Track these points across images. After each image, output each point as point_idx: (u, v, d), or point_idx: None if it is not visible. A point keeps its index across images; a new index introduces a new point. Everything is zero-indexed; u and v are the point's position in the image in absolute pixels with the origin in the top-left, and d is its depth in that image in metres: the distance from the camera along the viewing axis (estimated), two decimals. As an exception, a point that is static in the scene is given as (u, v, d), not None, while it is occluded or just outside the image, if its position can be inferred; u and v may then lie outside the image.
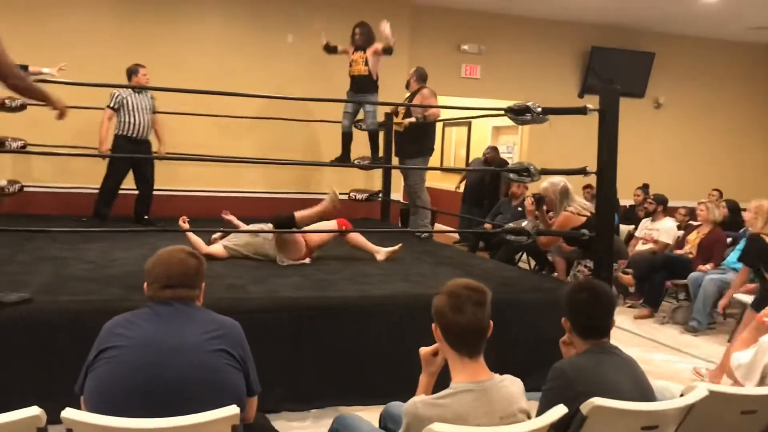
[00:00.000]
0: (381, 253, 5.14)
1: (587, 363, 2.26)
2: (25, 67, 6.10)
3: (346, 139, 7.24)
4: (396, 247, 5.19)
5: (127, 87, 6.49)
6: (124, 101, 6.49)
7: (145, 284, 2.19)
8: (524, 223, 4.61)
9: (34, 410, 1.70)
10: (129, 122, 6.51)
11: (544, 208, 5.61)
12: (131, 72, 6.55)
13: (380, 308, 3.89)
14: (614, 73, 9.79)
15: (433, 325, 2.11)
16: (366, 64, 6.81)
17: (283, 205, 7.63)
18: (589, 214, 5.05)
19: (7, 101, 6.02)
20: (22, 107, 6.17)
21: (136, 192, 6.77)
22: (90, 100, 6.34)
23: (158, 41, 7.74)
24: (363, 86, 6.86)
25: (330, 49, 7.14)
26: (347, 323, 3.79)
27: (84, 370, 2.06)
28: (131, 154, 6.49)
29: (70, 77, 6.17)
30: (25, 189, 6.81)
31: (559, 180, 5.21)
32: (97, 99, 6.33)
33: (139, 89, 6.50)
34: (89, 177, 7.41)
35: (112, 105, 6.50)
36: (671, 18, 9.28)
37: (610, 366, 2.25)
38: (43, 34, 7.38)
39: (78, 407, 1.86)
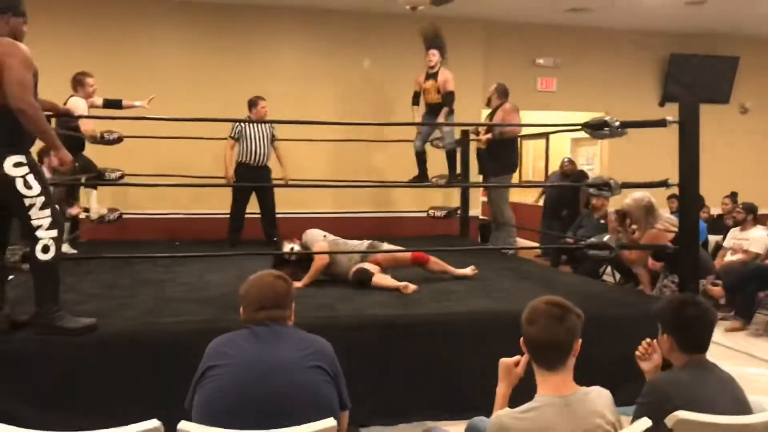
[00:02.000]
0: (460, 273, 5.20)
1: (686, 378, 2.26)
2: (119, 102, 6.54)
3: (420, 158, 7.37)
4: (471, 271, 5.21)
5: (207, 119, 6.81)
6: (244, 131, 6.87)
7: (241, 309, 2.36)
8: (606, 237, 4.58)
9: (154, 422, 1.86)
10: (248, 150, 6.89)
11: (628, 222, 5.54)
12: (251, 104, 6.96)
13: (464, 324, 3.96)
14: (696, 80, 9.58)
15: (522, 337, 2.20)
16: (438, 92, 6.92)
17: (362, 224, 7.83)
18: (676, 230, 4.96)
19: (105, 134, 6.44)
20: (119, 140, 6.58)
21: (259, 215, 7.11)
22: (177, 132, 6.71)
23: (240, 74, 8.14)
24: (438, 109, 6.97)
25: (416, 100, 7.24)
26: (433, 339, 3.88)
27: (192, 387, 2.23)
28: (252, 180, 6.87)
29: (162, 109, 6.60)
30: (123, 216, 7.23)
31: (643, 196, 5.14)
32: (185, 131, 6.68)
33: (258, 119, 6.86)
34: (181, 203, 7.84)
35: (233, 135, 6.92)
36: (755, 21, 9.00)
37: (710, 383, 2.25)
38: (139, 69, 7.90)
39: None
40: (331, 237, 5.05)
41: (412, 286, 4.61)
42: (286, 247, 4.91)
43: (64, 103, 5.71)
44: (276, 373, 2.15)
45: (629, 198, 5.25)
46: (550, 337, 2.08)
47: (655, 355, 2.53)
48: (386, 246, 5.05)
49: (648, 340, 2.56)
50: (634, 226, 5.45)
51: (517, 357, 2.30)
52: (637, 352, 2.54)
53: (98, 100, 6.41)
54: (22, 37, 3.41)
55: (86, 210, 6.73)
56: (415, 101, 7.24)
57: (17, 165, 3.25)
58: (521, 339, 2.17)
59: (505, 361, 2.35)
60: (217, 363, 2.19)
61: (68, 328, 3.41)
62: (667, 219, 5.26)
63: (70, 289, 4.46)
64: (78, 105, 5.87)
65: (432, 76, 6.99)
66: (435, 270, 5.15)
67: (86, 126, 6.06)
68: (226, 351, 2.22)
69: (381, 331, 3.83)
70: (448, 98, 6.83)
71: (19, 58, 3.23)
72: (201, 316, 3.87)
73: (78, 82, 6.14)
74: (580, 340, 2.12)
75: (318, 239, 4.98)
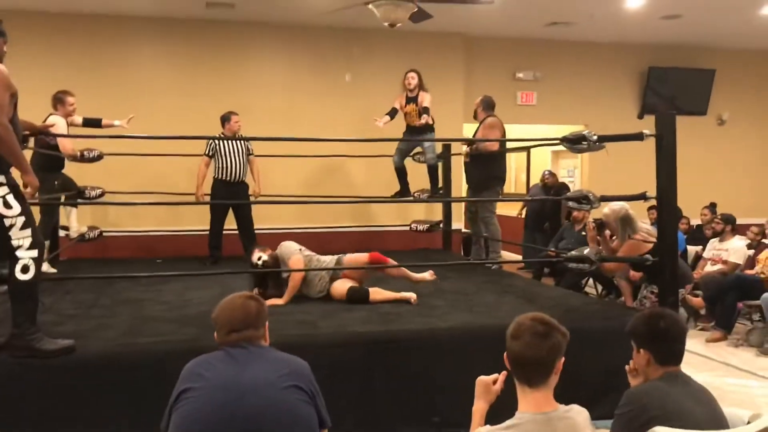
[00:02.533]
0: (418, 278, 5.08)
1: (662, 389, 2.27)
2: (98, 120, 6.50)
3: (400, 174, 7.41)
4: (430, 276, 5.06)
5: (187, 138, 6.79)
6: (218, 147, 6.83)
7: (215, 333, 2.35)
8: (586, 250, 4.61)
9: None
10: (224, 166, 6.85)
11: (607, 233, 5.58)
12: (224, 119, 6.90)
13: (446, 340, 3.96)
14: (674, 92, 9.70)
15: (506, 351, 2.20)
16: (419, 115, 6.98)
17: (344, 238, 7.83)
18: (654, 240, 5.00)
19: (85, 153, 6.39)
20: (99, 158, 6.53)
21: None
22: (158, 149, 6.67)
23: (224, 90, 8.13)
24: (420, 132, 7.05)
25: (392, 114, 7.29)
26: (415, 356, 3.87)
27: (168, 410, 2.21)
28: (228, 196, 6.82)
29: (147, 126, 6.58)
30: (104, 234, 7.16)
31: (620, 206, 5.18)
32: (166, 148, 6.66)
33: (232, 134, 6.85)
34: (161, 220, 7.79)
35: (207, 152, 6.88)
36: (730, 34, 9.14)
37: (686, 394, 2.27)
38: (124, 87, 7.90)
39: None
40: (306, 252, 5.01)
41: (413, 296, 4.66)
42: (255, 255, 4.86)
43: (43, 122, 5.66)
44: (252, 394, 2.14)
45: (607, 208, 5.29)
46: (533, 354, 2.08)
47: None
48: (348, 258, 4.95)
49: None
50: (614, 237, 5.49)
51: (495, 375, 2.30)
52: (627, 367, 2.55)
53: (78, 119, 6.36)
54: (3, 57, 3.40)
55: (66, 228, 6.67)
56: (390, 113, 7.25)
57: None
58: (505, 353, 2.17)
59: (482, 379, 2.35)
60: (193, 385, 2.17)
61: (45, 350, 3.37)
62: (645, 229, 5.30)
63: (49, 309, 4.41)
64: (57, 123, 5.83)
65: (412, 99, 7.05)
66: (394, 274, 5.07)
67: (65, 146, 6.01)
68: (202, 373, 2.21)
69: (363, 348, 3.82)
70: (425, 110, 6.91)
71: None
72: (181, 336, 3.84)
73: (58, 101, 6.10)
74: (563, 359, 2.12)
75: (293, 252, 4.91)
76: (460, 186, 8.32)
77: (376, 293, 4.74)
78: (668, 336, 2.38)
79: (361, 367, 3.79)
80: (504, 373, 2.22)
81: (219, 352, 2.29)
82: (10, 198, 3.24)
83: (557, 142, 4.77)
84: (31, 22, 7.59)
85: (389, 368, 3.83)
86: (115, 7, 7.58)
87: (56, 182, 6.01)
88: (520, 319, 2.16)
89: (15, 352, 3.35)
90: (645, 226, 5.74)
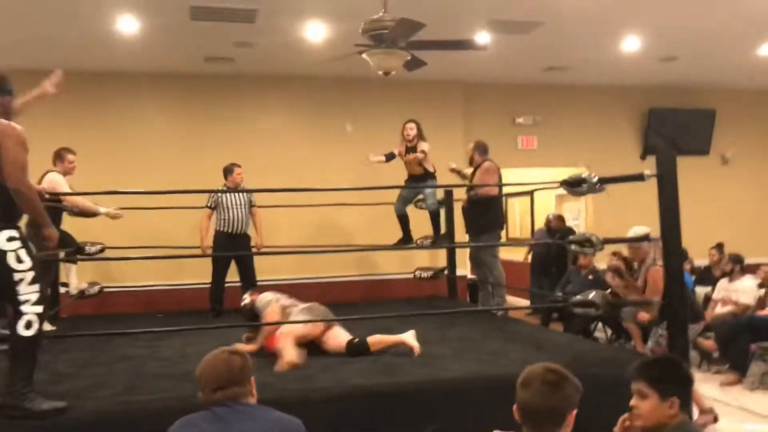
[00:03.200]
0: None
1: None
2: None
3: (403, 221, 7.39)
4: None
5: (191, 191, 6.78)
6: (220, 199, 6.83)
7: (199, 392, 2.26)
8: (591, 294, 4.51)
9: None
10: (225, 219, 6.84)
11: (636, 265, 5.55)
12: (227, 171, 6.93)
13: (451, 391, 3.84)
14: (675, 133, 9.69)
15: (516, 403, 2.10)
16: (419, 164, 7.02)
17: (348, 288, 7.74)
18: None
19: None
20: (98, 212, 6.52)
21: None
22: (161, 203, 6.66)
23: (227, 140, 8.18)
24: (421, 179, 7.10)
25: (389, 157, 7.33)
26: (418, 408, 3.75)
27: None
28: (230, 248, 6.78)
29: (148, 180, 6.56)
30: (104, 290, 7.09)
31: (640, 228, 5.17)
32: (167, 201, 6.64)
33: (234, 186, 6.89)
34: (163, 274, 7.73)
35: (209, 204, 6.89)
36: (728, 74, 9.18)
37: None
38: (125, 142, 7.98)
39: None
40: (283, 300, 4.89)
41: (416, 346, 4.50)
42: (243, 297, 4.92)
43: (40, 180, 5.67)
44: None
45: (633, 232, 5.27)
46: (542, 402, 2.02)
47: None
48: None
49: (625, 416, 2.46)
50: (640, 266, 5.44)
51: None
52: (628, 423, 2.42)
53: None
54: (12, 114, 3.45)
55: (66, 285, 6.61)
56: (387, 156, 7.29)
57: (10, 239, 3.24)
58: (515, 406, 2.08)
59: None
60: (179, 448, 2.09)
61: (36, 411, 3.27)
62: None
63: (44, 367, 4.31)
64: (56, 181, 5.83)
65: (412, 149, 7.07)
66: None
67: (75, 202, 5.99)
68: (188, 434, 2.12)
69: (364, 402, 3.69)
70: (421, 153, 6.94)
71: (15, 139, 3.26)
72: (178, 393, 3.74)
73: (58, 157, 6.11)
74: (575, 412, 2.05)
75: (269, 302, 4.86)
76: (463, 232, 8.25)
77: (376, 343, 4.60)
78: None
79: (362, 421, 3.66)
80: None
81: (205, 412, 2.21)
82: (22, 252, 3.25)
83: (557, 185, 4.72)
84: (32, 81, 7.65)
85: (392, 422, 3.70)
86: (114, 64, 7.66)
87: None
88: (532, 368, 2.11)
89: (6, 412, 3.26)
90: None
